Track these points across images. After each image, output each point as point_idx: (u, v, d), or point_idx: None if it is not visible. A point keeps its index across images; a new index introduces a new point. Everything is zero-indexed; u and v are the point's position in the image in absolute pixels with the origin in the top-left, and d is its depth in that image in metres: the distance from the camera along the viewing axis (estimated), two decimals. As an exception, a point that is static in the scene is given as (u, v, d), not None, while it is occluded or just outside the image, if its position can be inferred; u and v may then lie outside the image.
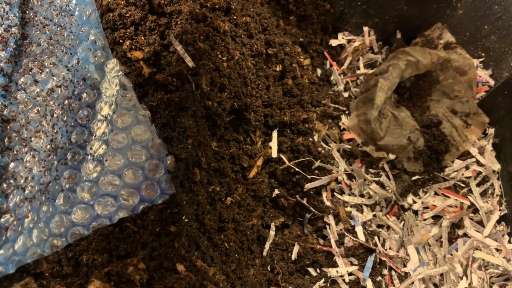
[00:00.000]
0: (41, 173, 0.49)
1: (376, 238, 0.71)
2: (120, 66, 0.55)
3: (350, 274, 0.67)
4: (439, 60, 0.79)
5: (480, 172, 0.75)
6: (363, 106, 0.78)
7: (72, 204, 0.51)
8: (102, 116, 0.53)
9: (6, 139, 0.47)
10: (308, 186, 0.72)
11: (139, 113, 0.53)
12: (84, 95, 0.52)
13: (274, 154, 0.71)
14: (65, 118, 0.51)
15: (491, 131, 0.77)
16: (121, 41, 0.57)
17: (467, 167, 0.75)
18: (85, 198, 0.51)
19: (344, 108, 0.81)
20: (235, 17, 0.69)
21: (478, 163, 0.75)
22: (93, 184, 0.51)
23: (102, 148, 0.52)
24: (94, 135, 0.52)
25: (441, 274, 0.67)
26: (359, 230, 0.71)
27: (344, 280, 0.66)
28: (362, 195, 0.74)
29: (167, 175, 0.53)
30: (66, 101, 0.51)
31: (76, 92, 0.52)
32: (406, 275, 0.68)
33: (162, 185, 0.53)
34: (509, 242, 0.69)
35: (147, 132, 0.53)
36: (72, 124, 0.51)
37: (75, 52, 0.53)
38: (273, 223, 0.69)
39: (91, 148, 0.52)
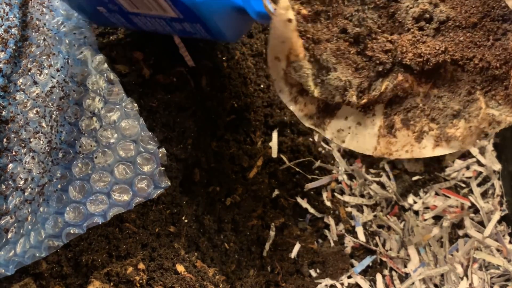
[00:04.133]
0: (40, 174, 0.49)
1: (377, 238, 0.71)
2: (104, 58, 0.54)
3: (349, 277, 0.67)
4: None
5: (480, 172, 0.74)
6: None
7: (65, 204, 0.50)
8: (90, 112, 0.52)
9: (5, 140, 0.47)
10: (308, 186, 0.72)
11: (126, 107, 0.53)
12: (72, 92, 0.52)
13: (274, 154, 0.71)
14: (58, 118, 0.51)
15: (492, 131, 0.77)
16: (121, 41, 0.57)
17: (467, 167, 0.75)
18: (77, 197, 0.51)
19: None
20: (235, 17, 0.69)
21: (479, 163, 0.75)
22: (84, 183, 0.51)
23: (92, 145, 0.52)
24: (83, 132, 0.52)
25: (442, 275, 0.67)
26: (359, 230, 0.70)
27: (342, 284, 0.66)
28: (362, 195, 0.74)
29: (160, 169, 0.53)
30: (60, 101, 0.51)
31: (66, 91, 0.52)
32: (407, 275, 0.67)
33: (155, 179, 0.52)
34: (510, 242, 0.69)
35: (135, 125, 0.52)
36: (61, 123, 0.51)
37: (61, 51, 0.52)
38: (273, 224, 0.69)
39: (80, 146, 0.51)
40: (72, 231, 0.50)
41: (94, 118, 0.52)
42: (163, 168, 0.53)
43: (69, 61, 0.53)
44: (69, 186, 0.51)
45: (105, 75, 0.53)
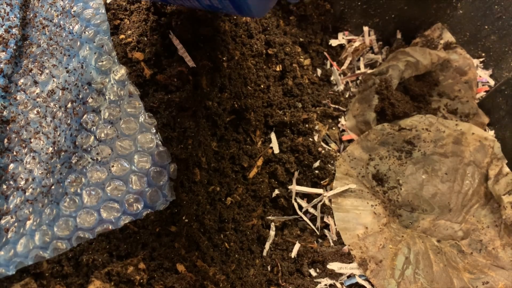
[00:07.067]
0: (43, 175, 0.49)
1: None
2: (125, 70, 0.55)
3: (349, 276, 0.67)
4: (439, 61, 0.79)
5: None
6: (359, 106, 0.78)
7: (77, 208, 0.51)
8: (108, 122, 0.53)
9: (6, 140, 0.47)
10: (309, 186, 0.72)
11: (145, 121, 0.54)
12: (90, 99, 0.52)
13: (276, 150, 0.71)
14: (68, 121, 0.51)
15: (491, 131, 0.77)
16: (122, 42, 0.58)
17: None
18: (90, 202, 0.51)
19: (345, 109, 0.81)
20: (235, 17, 0.69)
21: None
22: (99, 189, 0.52)
23: (109, 154, 0.52)
24: (100, 140, 0.53)
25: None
26: (359, 230, 0.71)
27: (342, 283, 0.67)
28: (362, 195, 0.74)
29: (169, 182, 0.54)
30: (70, 104, 0.51)
31: (80, 96, 0.52)
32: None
33: (164, 192, 0.53)
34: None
35: (152, 139, 0.53)
36: (76, 128, 0.52)
37: (77, 54, 0.53)
38: (273, 223, 0.69)
39: (97, 154, 0.52)
40: (82, 235, 0.50)
41: (112, 128, 0.53)
42: (172, 182, 0.54)
43: (83, 66, 0.53)
44: (83, 191, 0.51)
45: (125, 87, 0.54)
